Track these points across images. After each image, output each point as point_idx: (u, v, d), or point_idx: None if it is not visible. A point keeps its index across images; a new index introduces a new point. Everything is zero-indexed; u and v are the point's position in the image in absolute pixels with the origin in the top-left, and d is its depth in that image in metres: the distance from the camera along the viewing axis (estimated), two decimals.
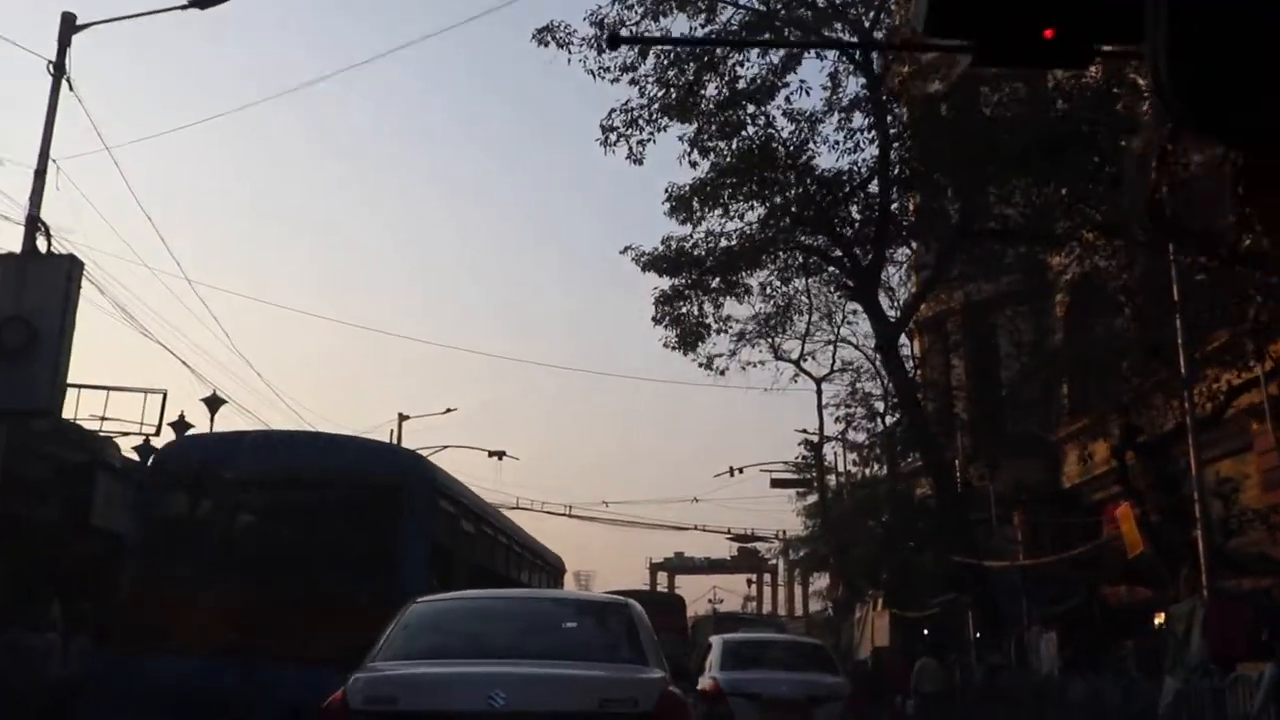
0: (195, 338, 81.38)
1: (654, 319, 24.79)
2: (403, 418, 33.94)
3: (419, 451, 23.57)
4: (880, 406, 32.67)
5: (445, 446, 32.47)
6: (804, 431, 40.28)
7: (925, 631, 25.64)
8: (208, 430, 19.26)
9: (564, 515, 51.97)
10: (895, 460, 32.35)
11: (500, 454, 35.90)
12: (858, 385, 33.57)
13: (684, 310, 24.71)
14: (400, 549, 9.90)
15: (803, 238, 23.61)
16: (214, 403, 20.54)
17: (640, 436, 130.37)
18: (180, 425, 19.15)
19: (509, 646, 5.81)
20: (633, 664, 5.75)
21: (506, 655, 5.64)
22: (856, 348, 32.69)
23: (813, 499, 43.65)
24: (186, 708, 8.49)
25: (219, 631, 8.92)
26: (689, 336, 25.06)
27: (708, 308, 25.00)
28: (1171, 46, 1.61)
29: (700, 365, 26.67)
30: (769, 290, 26.77)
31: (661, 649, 6.50)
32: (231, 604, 9.18)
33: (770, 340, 29.44)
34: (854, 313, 29.18)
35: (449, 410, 34.83)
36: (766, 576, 75.13)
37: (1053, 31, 2.06)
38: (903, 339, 27.45)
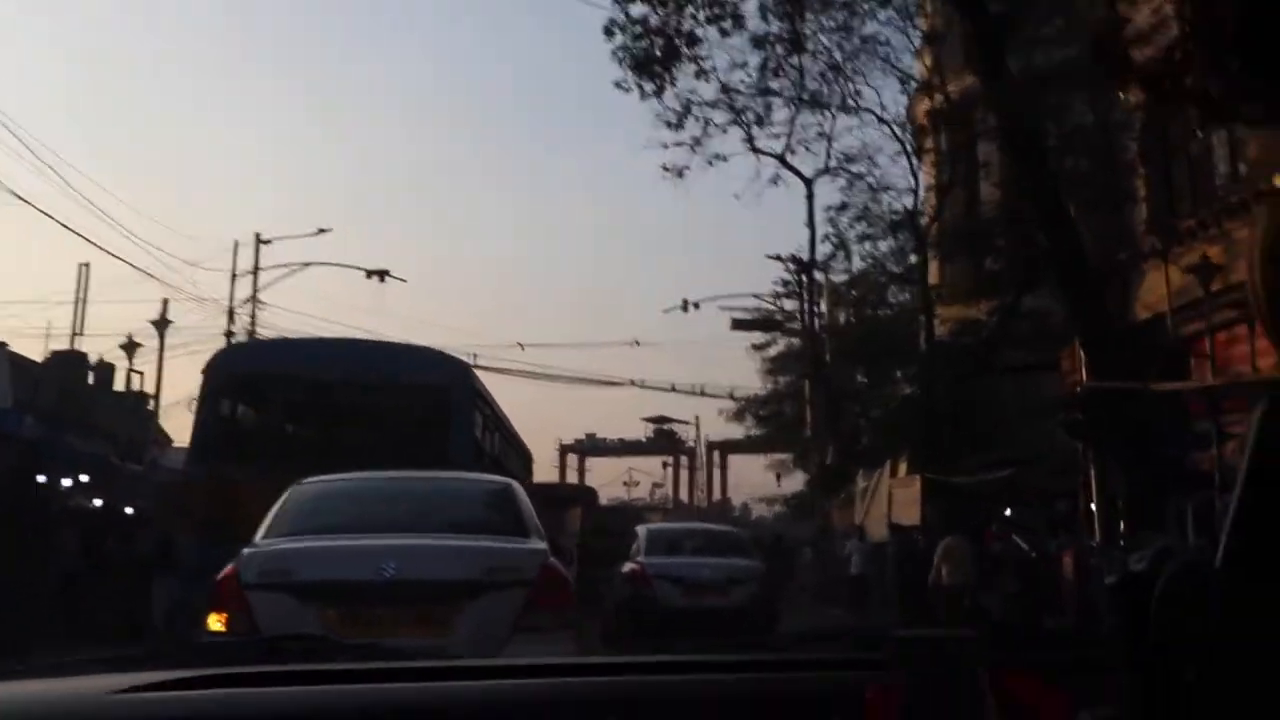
0: None
1: (606, 31, 19.45)
2: (260, 240, 30.48)
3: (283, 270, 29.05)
4: (909, 204, 24.32)
5: (309, 264, 30.12)
6: (777, 259, 31.12)
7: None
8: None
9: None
10: (925, 287, 23.71)
11: (381, 274, 30.64)
12: (872, 176, 25.08)
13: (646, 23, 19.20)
14: (451, 448, 11.08)
15: None
16: None
17: (570, 264, 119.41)
18: None
19: (393, 522, 5.91)
20: (516, 536, 5.88)
21: (399, 530, 5.78)
22: (881, 120, 24.21)
23: (776, 350, 37.19)
24: None
25: None
26: (648, 63, 19.74)
27: (681, 24, 19.44)
28: None
29: (662, 169, 22.47)
30: (768, 30, 20.72)
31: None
32: None
33: (745, 127, 23.51)
34: (859, 94, 23.24)
35: (321, 231, 30.64)
36: (684, 460, 72.77)
37: None
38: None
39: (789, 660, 1.74)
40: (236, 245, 30.05)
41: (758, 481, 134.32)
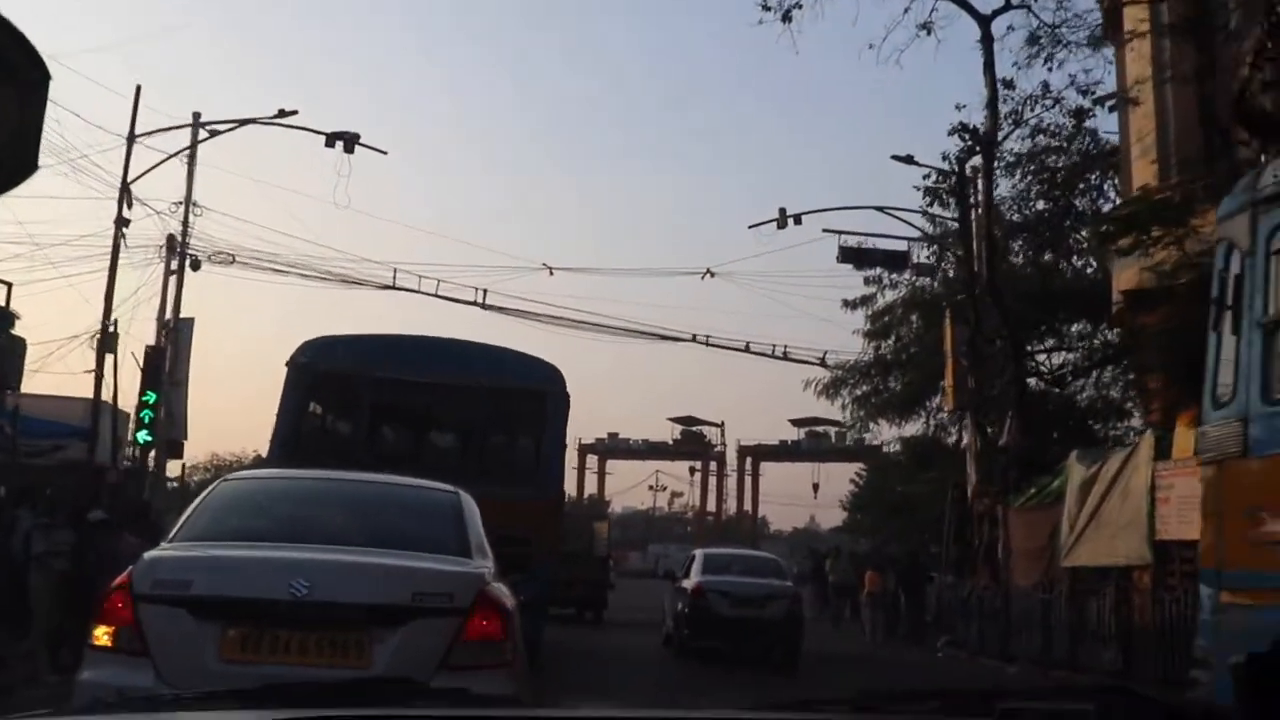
0: None
1: None
2: (199, 122, 24.66)
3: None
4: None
5: (248, 121, 24.09)
6: (959, 129, 20.46)
7: None
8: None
9: (476, 305, 31.43)
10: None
11: (349, 141, 23.15)
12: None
13: None
14: (543, 454, 11.17)
15: None
16: None
17: (626, 171, 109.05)
18: None
19: (323, 531, 5.42)
20: (456, 556, 5.30)
21: (320, 540, 5.25)
22: None
23: (885, 300, 27.88)
24: None
25: None
26: None
27: None
28: None
29: (762, 7, 17.44)
30: None
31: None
32: None
33: None
34: None
35: (283, 113, 23.29)
36: (712, 465, 69.89)
37: None
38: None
39: None
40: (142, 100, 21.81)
41: (794, 492, 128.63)
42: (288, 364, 11.05)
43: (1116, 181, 21.23)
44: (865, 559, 26.16)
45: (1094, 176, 23.50)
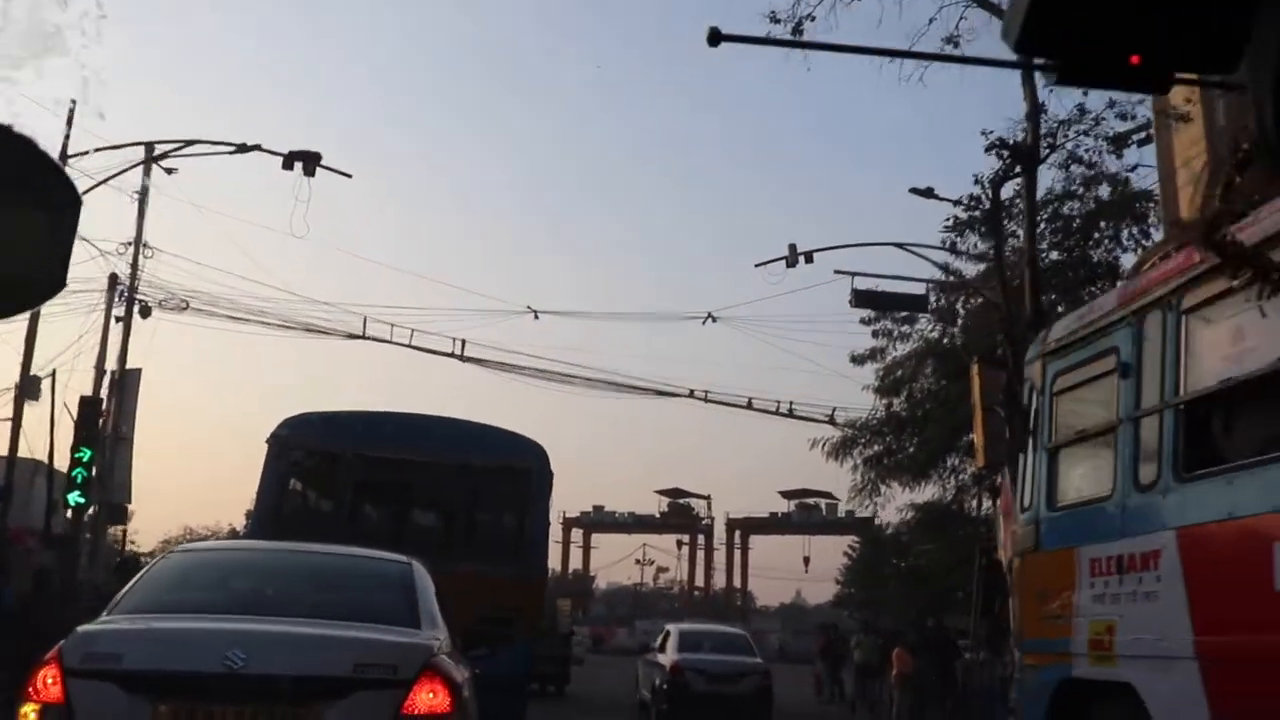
0: None
1: None
2: (152, 155, 21.98)
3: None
4: None
5: (192, 141, 21.73)
6: (995, 146, 17.54)
7: None
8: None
9: (453, 356, 29.74)
10: None
11: (309, 162, 20.26)
12: None
13: None
14: (527, 531, 10.99)
15: None
16: None
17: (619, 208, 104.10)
18: None
19: (267, 603, 5.36)
20: (404, 627, 5.16)
21: (263, 612, 5.15)
22: None
23: (897, 354, 25.57)
24: None
25: None
26: None
27: None
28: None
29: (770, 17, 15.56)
30: None
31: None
32: None
33: None
34: None
35: (244, 148, 20.81)
36: (700, 540, 69.81)
37: (1139, 58, 2.20)
38: None
39: None
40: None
41: (783, 565, 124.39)
42: (268, 440, 10.98)
43: (1141, 226, 20.87)
44: (895, 636, 23.80)
45: (1107, 225, 22.43)
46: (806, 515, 67.08)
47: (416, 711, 4.60)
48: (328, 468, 11.34)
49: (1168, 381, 5.49)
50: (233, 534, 38.25)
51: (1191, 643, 4.95)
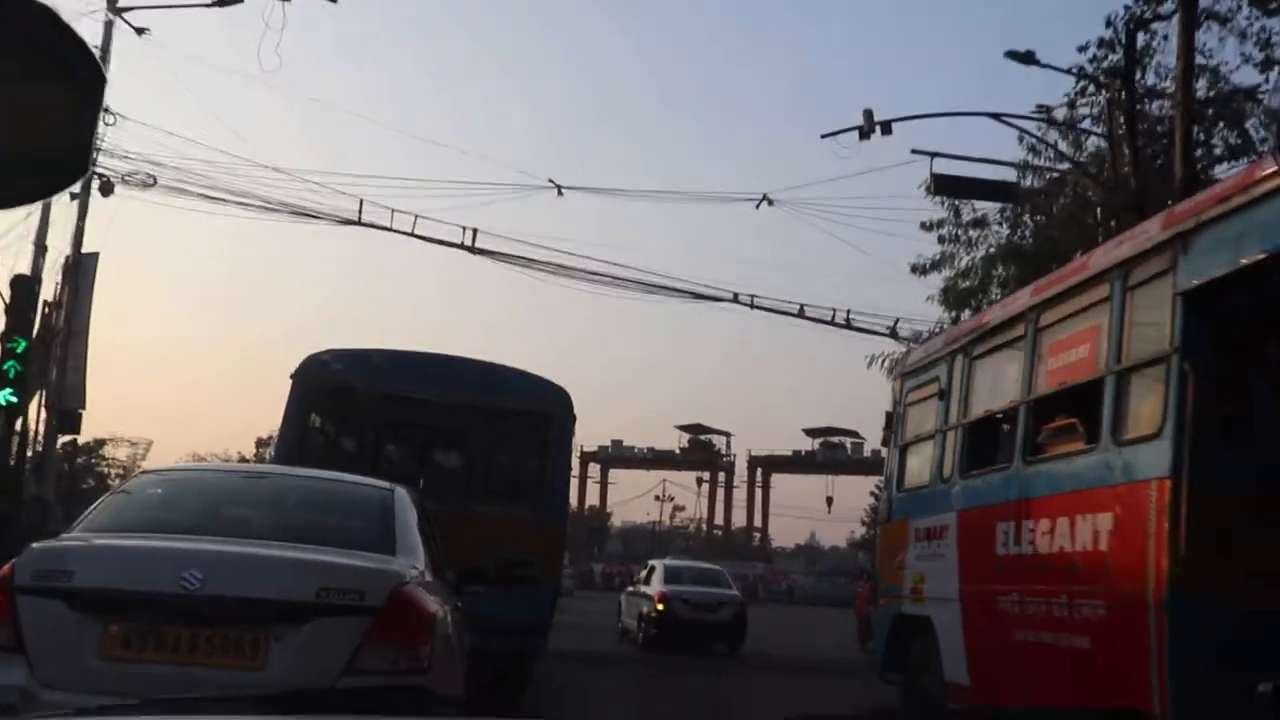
0: None
1: None
2: (117, 9, 20.36)
3: None
4: None
5: None
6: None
7: None
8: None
9: (463, 248, 24.94)
10: None
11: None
12: None
13: None
14: (548, 475, 11.17)
15: None
16: None
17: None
18: None
19: (233, 525, 5.15)
20: (377, 554, 4.92)
21: (227, 534, 4.94)
22: None
23: (967, 262, 21.30)
24: None
25: None
26: None
27: None
28: None
29: None
30: None
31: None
32: None
33: None
34: None
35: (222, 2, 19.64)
36: (720, 476, 66.49)
37: None
38: None
39: None
40: None
41: (804, 505, 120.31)
42: (292, 376, 11.08)
43: None
44: None
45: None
46: (831, 454, 64.65)
47: (383, 640, 4.37)
48: (349, 405, 11.15)
49: (959, 407, 7.83)
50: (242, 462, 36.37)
51: (957, 589, 7.29)
